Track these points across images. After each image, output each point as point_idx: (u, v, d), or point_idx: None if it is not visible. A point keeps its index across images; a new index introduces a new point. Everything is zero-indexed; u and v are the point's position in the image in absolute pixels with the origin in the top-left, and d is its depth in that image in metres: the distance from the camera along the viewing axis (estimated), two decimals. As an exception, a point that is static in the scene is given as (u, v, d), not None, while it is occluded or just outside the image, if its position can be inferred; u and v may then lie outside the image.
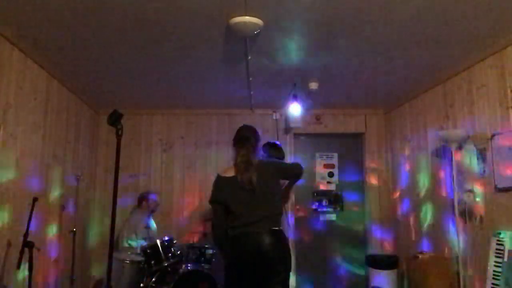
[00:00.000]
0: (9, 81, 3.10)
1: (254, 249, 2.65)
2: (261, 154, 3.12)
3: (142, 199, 4.82)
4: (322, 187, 5.51)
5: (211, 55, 3.52)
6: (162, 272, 4.04)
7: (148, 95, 4.81)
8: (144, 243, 4.26)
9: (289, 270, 2.74)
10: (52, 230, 3.93)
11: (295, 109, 4.62)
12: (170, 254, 4.06)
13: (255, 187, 2.71)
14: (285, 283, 2.70)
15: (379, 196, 5.41)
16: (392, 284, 4.65)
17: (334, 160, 5.55)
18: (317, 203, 5.46)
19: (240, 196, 2.73)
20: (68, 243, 4.17)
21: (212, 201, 2.80)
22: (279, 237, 2.73)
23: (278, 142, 4.22)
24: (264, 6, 2.65)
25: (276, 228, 2.73)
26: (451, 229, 3.82)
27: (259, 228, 2.68)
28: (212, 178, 2.87)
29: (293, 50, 3.45)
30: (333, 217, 5.44)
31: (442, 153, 4.04)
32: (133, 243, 4.37)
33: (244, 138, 2.90)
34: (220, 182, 2.82)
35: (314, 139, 5.61)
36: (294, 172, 3.08)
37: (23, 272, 3.03)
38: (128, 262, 3.99)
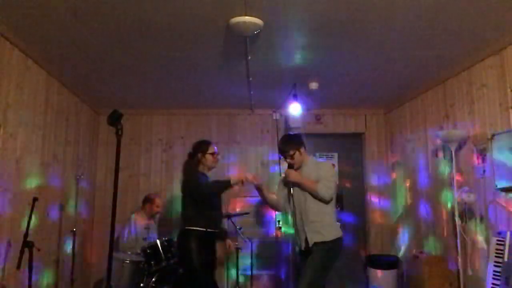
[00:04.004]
0: (9, 81, 3.10)
1: None
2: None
3: (147, 201, 4.70)
4: (322, 187, 5.49)
5: (211, 55, 3.52)
6: (162, 272, 4.03)
7: (148, 95, 4.81)
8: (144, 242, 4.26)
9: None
10: (52, 230, 3.92)
11: (295, 109, 4.61)
12: (170, 254, 4.06)
13: None
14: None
15: (379, 196, 5.41)
16: (392, 284, 4.65)
17: (334, 160, 5.54)
18: (317, 203, 5.44)
19: None
20: (68, 243, 4.17)
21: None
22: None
23: None
24: (264, 6, 2.65)
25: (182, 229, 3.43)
26: (451, 229, 3.82)
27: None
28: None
29: (293, 50, 3.45)
30: (333, 217, 5.44)
31: (442, 153, 4.04)
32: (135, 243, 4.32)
33: None
34: None
35: (314, 139, 5.59)
36: None
37: (23, 272, 3.03)
38: (128, 262, 3.98)
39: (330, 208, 3.16)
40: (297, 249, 3.30)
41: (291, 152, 3.17)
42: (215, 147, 3.66)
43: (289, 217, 3.24)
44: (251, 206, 5.17)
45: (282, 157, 3.29)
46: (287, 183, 3.20)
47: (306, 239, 3.11)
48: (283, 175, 3.30)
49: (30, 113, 3.45)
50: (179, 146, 5.41)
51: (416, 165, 4.63)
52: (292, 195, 3.18)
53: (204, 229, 3.38)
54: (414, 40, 3.19)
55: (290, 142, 3.24)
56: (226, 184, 3.36)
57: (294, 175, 3.15)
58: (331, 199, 3.14)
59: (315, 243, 3.08)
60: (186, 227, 3.40)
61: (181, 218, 3.55)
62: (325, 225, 3.11)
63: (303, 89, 4.36)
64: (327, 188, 3.08)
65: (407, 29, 2.98)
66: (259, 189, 3.25)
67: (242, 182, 3.27)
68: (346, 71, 3.96)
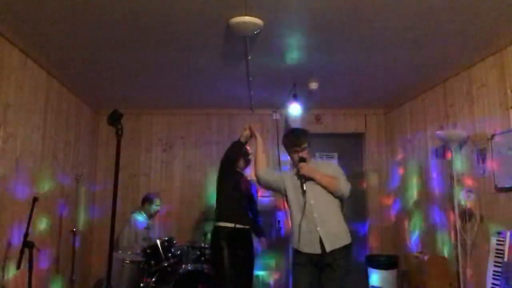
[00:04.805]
0: (9, 81, 3.10)
1: None
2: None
3: (147, 200, 4.72)
4: (322, 187, 5.49)
5: (211, 55, 3.52)
6: (162, 272, 4.03)
7: (148, 95, 4.81)
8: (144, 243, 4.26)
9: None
10: (52, 230, 3.93)
11: (295, 109, 4.61)
12: (170, 254, 4.06)
13: None
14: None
15: (379, 196, 5.41)
16: (392, 284, 4.65)
17: (334, 160, 5.54)
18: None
19: None
20: (68, 243, 4.17)
21: None
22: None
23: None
24: (264, 6, 2.65)
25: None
26: (451, 229, 3.82)
27: None
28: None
29: (293, 50, 3.45)
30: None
31: (442, 153, 4.04)
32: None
33: None
34: None
35: (314, 139, 5.51)
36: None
37: (23, 272, 3.03)
38: (128, 262, 3.98)
39: (340, 208, 2.96)
40: (304, 252, 2.89)
41: (305, 145, 2.96)
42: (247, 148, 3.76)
43: (291, 216, 2.97)
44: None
45: (291, 151, 3.00)
46: (300, 178, 2.89)
47: (321, 242, 2.79)
48: (291, 171, 3.09)
49: (30, 113, 3.45)
50: (179, 146, 5.42)
51: (416, 165, 4.63)
52: (304, 191, 2.86)
53: (233, 225, 3.49)
54: (414, 40, 3.18)
55: (303, 135, 3.03)
56: (238, 144, 3.49)
57: (308, 169, 2.88)
58: (347, 196, 2.95)
59: (336, 250, 2.77)
60: (216, 224, 3.55)
61: (214, 215, 3.70)
62: (341, 226, 2.89)
63: (303, 89, 4.36)
64: (347, 183, 2.97)
65: (407, 29, 2.98)
66: (255, 137, 3.27)
67: (245, 130, 3.40)
68: (346, 71, 3.96)
